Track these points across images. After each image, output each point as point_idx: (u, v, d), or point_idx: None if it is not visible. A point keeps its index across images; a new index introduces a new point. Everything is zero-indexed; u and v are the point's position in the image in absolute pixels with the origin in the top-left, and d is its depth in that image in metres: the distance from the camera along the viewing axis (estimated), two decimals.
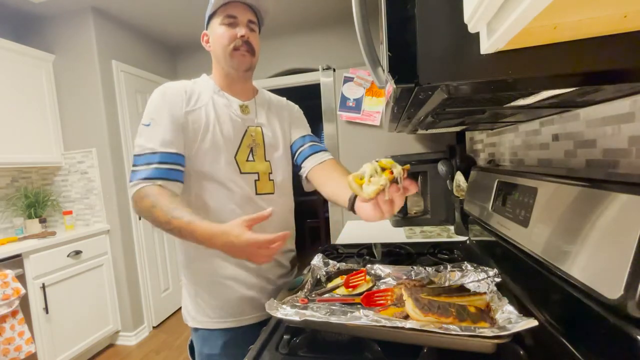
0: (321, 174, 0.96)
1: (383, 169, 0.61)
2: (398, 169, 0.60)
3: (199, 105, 0.88)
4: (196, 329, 0.91)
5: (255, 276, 0.91)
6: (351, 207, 0.76)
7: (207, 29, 0.92)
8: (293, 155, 1.04)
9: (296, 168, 1.04)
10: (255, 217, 0.71)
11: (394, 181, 0.58)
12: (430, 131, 1.27)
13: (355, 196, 0.71)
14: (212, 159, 0.87)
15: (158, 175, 0.79)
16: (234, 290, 0.89)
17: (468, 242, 1.17)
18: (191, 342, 0.95)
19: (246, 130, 0.93)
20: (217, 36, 0.88)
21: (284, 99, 1.10)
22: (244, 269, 0.90)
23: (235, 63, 0.89)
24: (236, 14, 0.87)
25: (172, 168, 0.82)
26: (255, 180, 0.92)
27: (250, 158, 0.92)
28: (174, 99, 0.86)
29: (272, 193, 0.95)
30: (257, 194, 0.92)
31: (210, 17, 0.90)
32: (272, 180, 0.95)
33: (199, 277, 0.90)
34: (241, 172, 0.90)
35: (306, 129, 1.07)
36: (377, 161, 0.62)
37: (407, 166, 0.62)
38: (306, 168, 0.99)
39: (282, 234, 0.68)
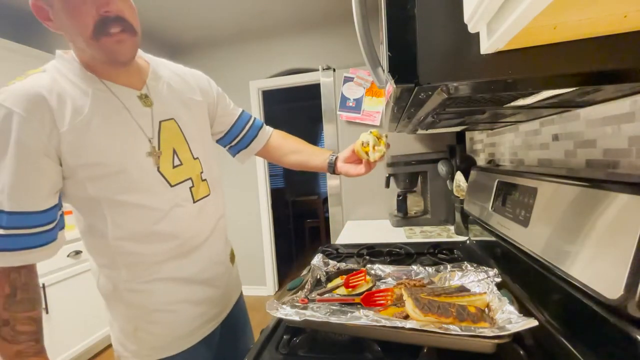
0: (280, 147, 1.02)
1: (378, 138, 0.86)
2: (384, 138, 0.86)
3: (82, 116, 0.61)
4: None
5: (206, 286, 0.79)
6: (332, 169, 0.95)
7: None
8: (234, 139, 0.95)
9: (232, 149, 0.99)
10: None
11: (387, 146, 0.86)
12: (430, 131, 1.27)
13: (336, 159, 0.95)
14: (124, 184, 0.65)
15: (16, 246, 0.57)
16: (183, 312, 0.75)
17: (468, 242, 1.17)
18: None
19: (160, 129, 0.70)
20: (68, 15, 0.58)
21: (182, 67, 0.86)
22: (196, 283, 0.76)
23: (109, 53, 0.61)
24: None
25: (36, 232, 0.59)
26: (190, 187, 0.75)
27: (177, 162, 0.72)
28: (32, 119, 0.56)
29: (208, 195, 0.79)
30: (194, 202, 0.75)
31: None
32: (205, 179, 0.79)
33: (137, 311, 0.72)
34: (172, 186, 0.71)
35: (231, 105, 0.95)
36: (371, 132, 0.86)
37: (387, 133, 0.88)
38: (256, 148, 1.00)
39: None
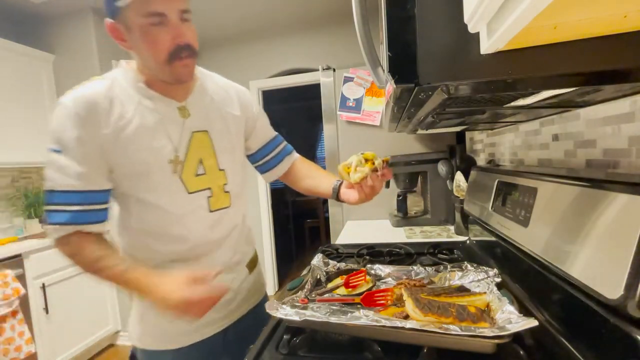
0: (297, 172, 1.02)
1: (367, 160, 0.75)
2: (379, 161, 0.73)
3: (124, 121, 0.69)
4: (143, 349, 0.81)
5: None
6: (336, 195, 0.91)
7: (115, 19, 0.67)
8: (262, 158, 0.98)
9: (260, 168, 1.01)
10: (200, 277, 0.65)
11: (375, 170, 0.72)
12: (430, 131, 1.27)
13: (340, 184, 0.90)
14: (147, 185, 0.73)
15: (77, 220, 0.68)
16: None
17: (468, 242, 1.17)
18: (132, 353, 0.86)
19: (191, 139, 0.76)
20: (145, 41, 0.67)
21: (229, 82, 0.92)
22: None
23: (176, 75, 0.70)
24: (163, 9, 0.64)
25: (93, 209, 0.70)
26: (209, 197, 0.79)
27: (201, 171, 0.77)
28: (88, 119, 0.67)
29: (228, 207, 0.83)
30: (210, 211, 0.79)
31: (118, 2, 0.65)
32: (228, 191, 0.83)
33: (145, 301, 0.78)
34: (189, 193, 0.76)
35: (268, 126, 0.99)
36: (362, 154, 0.77)
37: (387, 158, 0.76)
38: (281, 170, 1.01)
39: (215, 273, 0.67)
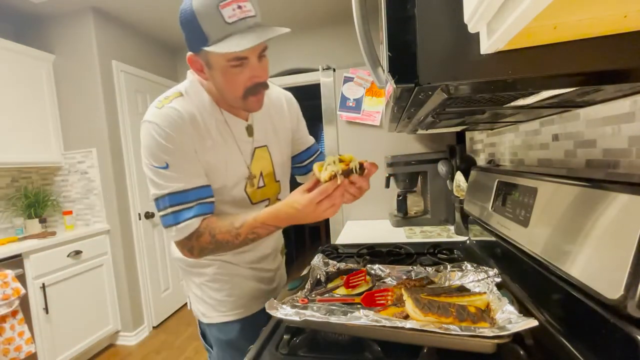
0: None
1: (342, 161, 0.74)
2: (355, 162, 0.73)
3: (209, 141, 0.77)
4: (210, 324, 0.90)
5: (257, 271, 0.93)
6: None
7: (197, 54, 0.71)
8: (298, 164, 1.02)
9: (294, 170, 1.04)
10: (306, 187, 0.71)
11: (350, 171, 0.71)
12: (430, 131, 1.27)
13: None
14: (221, 198, 0.81)
15: (202, 211, 0.74)
16: (239, 285, 0.90)
17: (468, 242, 1.17)
18: (202, 331, 0.95)
19: (253, 155, 0.84)
20: (225, 80, 0.72)
21: (279, 90, 0.97)
22: (250, 264, 0.91)
23: (249, 107, 0.77)
24: (247, 54, 0.69)
25: (209, 202, 0.76)
26: (266, 206, 0.88)
27: (261, 183, 0.86)
28: (183, 138, 0.73)
29: None
30: None
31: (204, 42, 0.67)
32: (279, 199, 0.92)
33: (202, 279, 0.89)
34: (252, 204, 0.86)
35: (306, 131, 1.04)
36: (339, 155, 0.76)
37: (364, 160, 0.74)
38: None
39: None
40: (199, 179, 0.75)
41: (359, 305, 0.70)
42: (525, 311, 0.63)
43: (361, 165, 0.72)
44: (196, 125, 0.75)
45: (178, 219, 0.73)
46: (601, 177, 0.51)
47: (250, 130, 0.84)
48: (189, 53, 0.73)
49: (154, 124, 0.72)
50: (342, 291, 0.78)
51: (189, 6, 0.65)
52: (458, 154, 1.46)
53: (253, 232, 0.73)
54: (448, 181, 1.44)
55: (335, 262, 0.92)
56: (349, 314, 0.60)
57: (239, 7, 0.65)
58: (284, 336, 0.65)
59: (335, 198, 0.68)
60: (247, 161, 0.83)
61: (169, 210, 0.73)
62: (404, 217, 1.68)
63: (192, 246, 0.75)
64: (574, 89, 0.47)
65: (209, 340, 0.94)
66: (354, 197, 0.74)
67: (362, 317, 0.57)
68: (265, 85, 0.76)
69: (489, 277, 0.70)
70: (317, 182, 0.72)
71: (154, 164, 0.73)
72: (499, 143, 1.24)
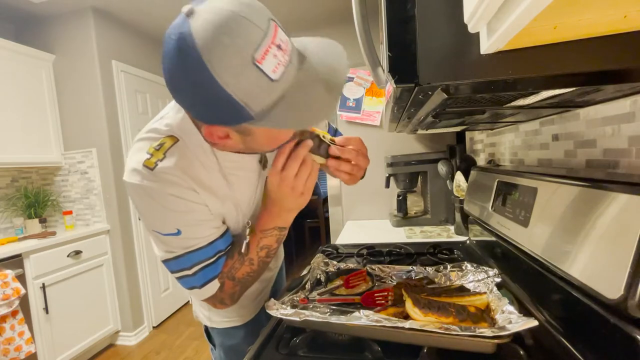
0: None
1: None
2: (327, 137, 0.66)
3: (210, 193, 0.64)
4: (214, 328, 0.88)
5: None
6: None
7: (230, 127, 0.53)
8: None
9: None
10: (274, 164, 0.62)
11: (318, 139, 0.63)
12: (430, 131, 1.26)
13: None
14: (233, 225, 0.74)
15: (223, 261, 0.67)
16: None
17: (468, 242, 1.17)
18: (206, 328, 0.94)
19: (265, 183, 0.72)
20: (268, 141, 0.58)
21: None
22: None
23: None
24: None
25: (230, 249, 0.69)
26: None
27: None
28: (192, 196, 0.61)
29: None
30: None
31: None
32: None
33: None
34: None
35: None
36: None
37: (323, 132, 0.67)
38: None
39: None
40: (217, 230, 0.66)
41: (359, 305, 0.70)
42: (525, 311, 0.63)
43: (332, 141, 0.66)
44: (200, 180, 0.61)
45: (201, 280, 0.64)
46: (601, 177, 0.51)
47: (263, 162, 0.73)
48: (218, 128, 0.53)
49: (149, 189, 0.56)
50: (342, 291, 0.78)
51: (207, 76, 0.42)
52: (458, 154, 1.46)
53: (261, 248, 0.68)
54: (448, 181, 1.44)
55: (335, 262, 0.92)
56: (349, 314, 0.60)
57: (279, 47, 0.44)
58: (284, 336, 0.65)
59: (298, 157, 0.58)
60: (255, 194, 0.73)
61: (186, 272, 0.63)
62: (404, 217, 1.68)
63: (222, 298, 0.68)
64: (574, 89, 0.47)
65: (213, 340, 0.93)
66: (349, 174, 0.67)
67: (362, 317, 0.56)
68: None
69: (489, 277, 0.70)
70: None
71: (161, 232, 0.60)
72: (499, 143, 1.24)
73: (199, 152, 0.61)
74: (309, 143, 0.61)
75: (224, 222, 0.70)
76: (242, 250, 0.66)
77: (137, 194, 0.58)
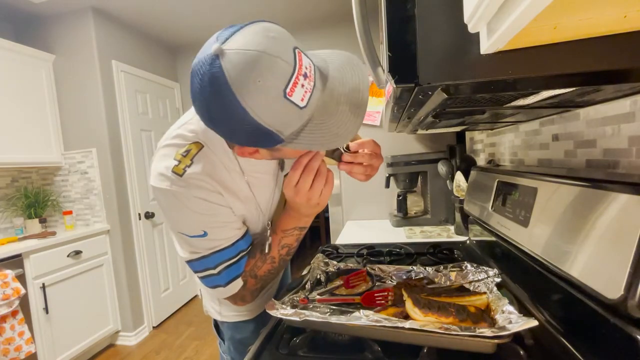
0: None
1: None
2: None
3: (233, 195, 0.67)
4: (225, 322, 0.89)
5: None
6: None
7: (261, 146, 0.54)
8: None
9: None
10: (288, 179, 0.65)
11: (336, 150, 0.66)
12: (430, 131, 1.26)
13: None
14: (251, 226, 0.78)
15: (245, 260, 0.70)
16: None
17: (468, 242, 1.17)
18: (215, 322, 0.94)
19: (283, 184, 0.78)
20: (296, 151, 0.59)
21: None
22: None
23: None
24: None
25: (251, 249, 0.73)
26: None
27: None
28: (218, 199, 0.64)
29: None
30: None
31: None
32: None
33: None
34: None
35: None
36: None
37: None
38: None
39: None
40: (239, 231, 0.69)
41: (359, 305, 0.70)
42: (525, 311, 0.63)
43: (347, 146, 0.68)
44: (226, 184, 0.66)
45: (225, 279, 0.67)
46: (601, 177, 0.51)
47: (281, 165, 0.78)
48: (250, 149, 0.57)
49: (178, 194, 0.60)
50: (342, 291, 0.78)
51: (242, 112, 0.44)
52: (458, 154, 1.46)
53: (282, 246, 0.71)
54: (448, 181, 1.44)
55: (335, 262, 0.92)
56: (349, 314, 0.60)
57: (305, 76, 0.47)
58: (284, 336, 0.65)
59: (311, 170, 0.60)
60: (274, 194, 0.78)
61: (211, 272, 0.67)
62: (404, 217, 1.68)
63: (243, 295, 0.72)
64: (574, 89, 0.47)
65: (222, 334, 0.94)
66: (366, 175, 0.70)
67: (362, 317, 0.56)
68: None
69: (489, 277, 0.70)
70: None
71: (188, 234, 0.64)
72: (499, 143, 1.24)
73: (223, 157, 0.65)
74: (322, 154, 0.62)
75: (244, 224, 0.73)
76: (265, 249, 0.70)
77: (165, 198, 0.62)
